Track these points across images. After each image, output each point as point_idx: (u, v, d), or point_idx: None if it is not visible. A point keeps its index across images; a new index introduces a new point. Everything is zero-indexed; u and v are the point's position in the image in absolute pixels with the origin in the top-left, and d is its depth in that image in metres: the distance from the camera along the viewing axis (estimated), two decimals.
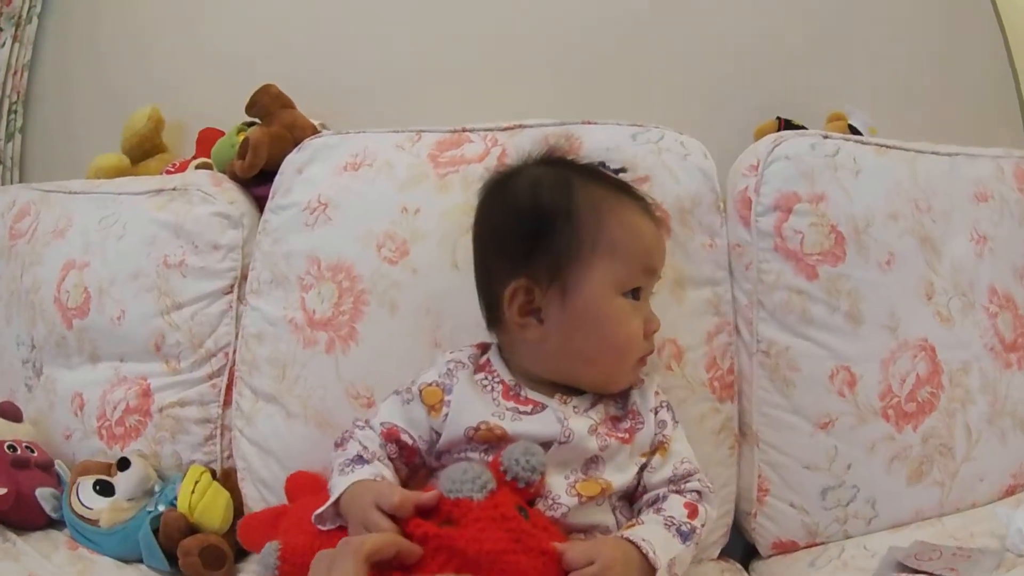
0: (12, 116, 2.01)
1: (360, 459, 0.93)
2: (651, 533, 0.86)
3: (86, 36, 2.02)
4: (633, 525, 0.90)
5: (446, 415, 0.94)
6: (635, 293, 0.97)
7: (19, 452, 1.26)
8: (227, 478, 1.24)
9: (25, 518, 1.22)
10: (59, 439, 1.38)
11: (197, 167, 1.60)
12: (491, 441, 0.91)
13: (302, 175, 1.29)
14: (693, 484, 0.95)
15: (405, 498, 0.81)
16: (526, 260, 0.95)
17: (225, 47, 1.84)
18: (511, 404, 0.95)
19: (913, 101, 1.68)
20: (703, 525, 0.92)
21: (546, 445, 0.90)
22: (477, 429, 0.92)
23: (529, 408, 0.95)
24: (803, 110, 1.57)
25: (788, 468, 1.17)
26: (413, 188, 1.22)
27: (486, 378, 0.98)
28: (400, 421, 0.97)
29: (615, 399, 1.00)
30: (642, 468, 0.95)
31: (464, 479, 0.81)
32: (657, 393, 1.02)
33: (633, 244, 0.96)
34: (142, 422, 1.31)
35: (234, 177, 1.44)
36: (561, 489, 0.89)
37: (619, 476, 0.93)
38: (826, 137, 1.21)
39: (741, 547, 1.26)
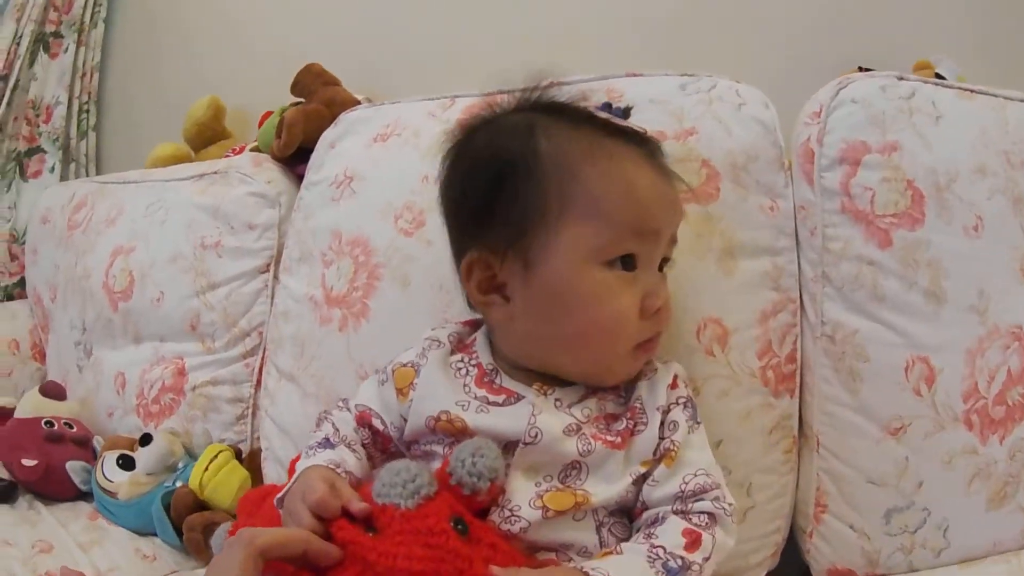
0: (84, 115, 2.11)
1: (327, 442, 0.83)
2: (621, 568, 0.70)
3: (150, 36, 2.12)
4: (608, 553, 0.73)
5: (411, 400, 0.82)
6: (626, 262, 0.78)
7: (56, 428, 1.32)
8: (252, 458, 1.22)
9: (55, 489, 1.28)
10: (103, 417, 1.42)
11: (252, 150, 1.61)
12: (454, 434, 0.78)
13: (334, 150, 1.26)
14: (704, 504, 0.74)
15: (327, 496, 0.70)
16: (480, 226, 0.80)
17: (276, 33, 1.88)
18: (482, 392, 0.80)
19: (1007, 49, 1.48)
20: (707, 559, 0.72)
21: (512, 445, 0.75)
22: (437, 419, 0.78)
23: (501, 398, 0.79)
24: (887, 60, 1.39)
25: (850, 481, 0.96)
26: (436, 156, 1.15)
27: (462, 360, 0.84)
28: (374, 404, 0.86)
29: (615, 392, 0.82)
30: (642, 479, 0.77)
31: (395, 481, 0.69)
32: (674, 386, 0.82)
33: (618, 200, 0.77)
34: (176, 400, 1.31)
35: (276, 157, 1.43)
36: (524, 499, 0.73)
37: (604, 488, 0.75)
38: (901, 78, 1.01)
39: (797, 569, 1.05)
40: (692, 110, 1.02)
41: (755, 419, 0.96)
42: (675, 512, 0.74)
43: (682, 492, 0.75)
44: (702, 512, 0.74)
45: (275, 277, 1.30)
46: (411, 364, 0.85)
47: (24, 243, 1.85)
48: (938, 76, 1.33)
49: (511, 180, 0.77)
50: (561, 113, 0.82)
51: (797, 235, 1.00)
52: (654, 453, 0.77)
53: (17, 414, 1.38)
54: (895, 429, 0.94)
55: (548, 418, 0.76)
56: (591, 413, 0.79)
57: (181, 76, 2.03)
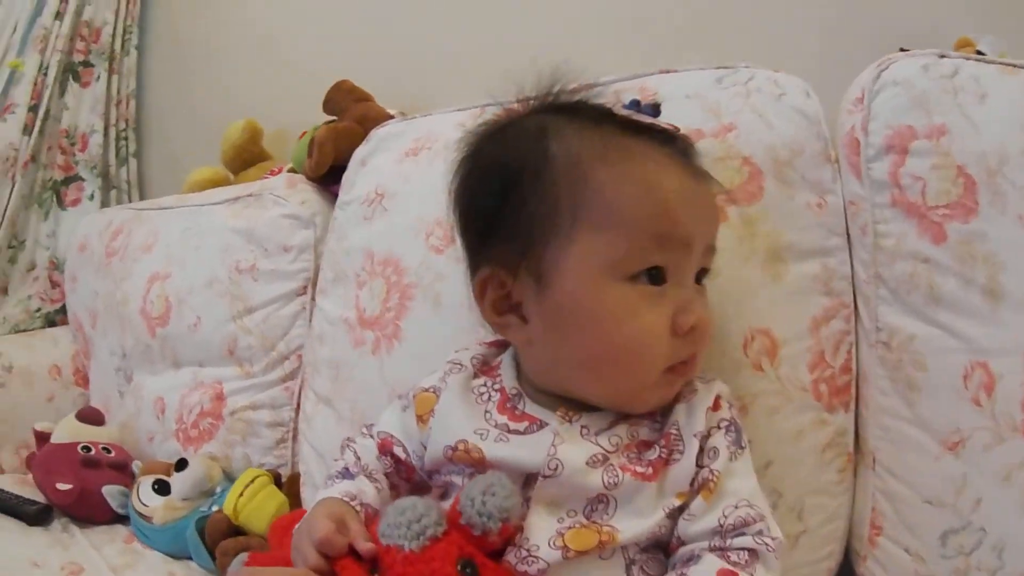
0: (123, 142, 2.14)
1: (346, 472, 0.80)
2: None
3: (182, 61, 2.14)
4: None
5: (431, 428, 0.77)
6: (653, 275, 0.70)
7: (93, 453, 1.34)
8: (292, 483, 1.21)
9: (92, 513, 1.29)
10: (144, 441, 1.42)
11: (288, 171, 1.60)
12: (473, 465, 0.72)
13: (366, 167, 1.24)
14: (744, 540, 0.67)
15: (332, 535, 0.67)
16: (491, 240, 0.74)
17: (308, 50, 1.88)
18: (503, 419, 0.74)
19: None
20: None
21: (532, 477, 0.70)
22: (455, 449, 0.73)
23: (523, 426, 0.73)
24: (928, 40, 1.32)
25: (907, 502, 0.89)
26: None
27: (485, 384, 0.78)
28: (396, 431, 0.81)
29: (650, 417, 0.74)
30: (678, 512, 0.69)
31: (399, 521, 0.65)
32: (716, 407, 0.73)
33: (638, 205, 0.69)
34: (215, 425, 1.31)
35: (310, 177, 1.42)
36: (544, 537, 0.67)
37: (635, 523, 0.68)
38: (942, 56, 0.94)
39: None
40: (729, 104, 0.95)
41: (807, 437, 0.89)
42: (712, 549, 0.67)
43: (721, 526, 0.67)
44: (742, 548, 0.67)
45: (312, 299, 1.29)
46: (432, 389, 0.80)
47: (64, 270, 1.87)
48: (979, 53, 1.26)
49: (519, 187, 0.71)
50: (577, 113, 0.75)
51: (848, 233, 0.93)
52: (691, 484, 0.69)
53: (54, 439, 1.39)
54: (953, 443, 0.86)
55: (570, 448, 0.70)
56: (621, 441, 0.71)
57: (216, 99, 2.05)
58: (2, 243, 1.92)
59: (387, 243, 1.13)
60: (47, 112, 2.00)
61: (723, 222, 0.88)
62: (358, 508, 0.74)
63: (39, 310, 1.94)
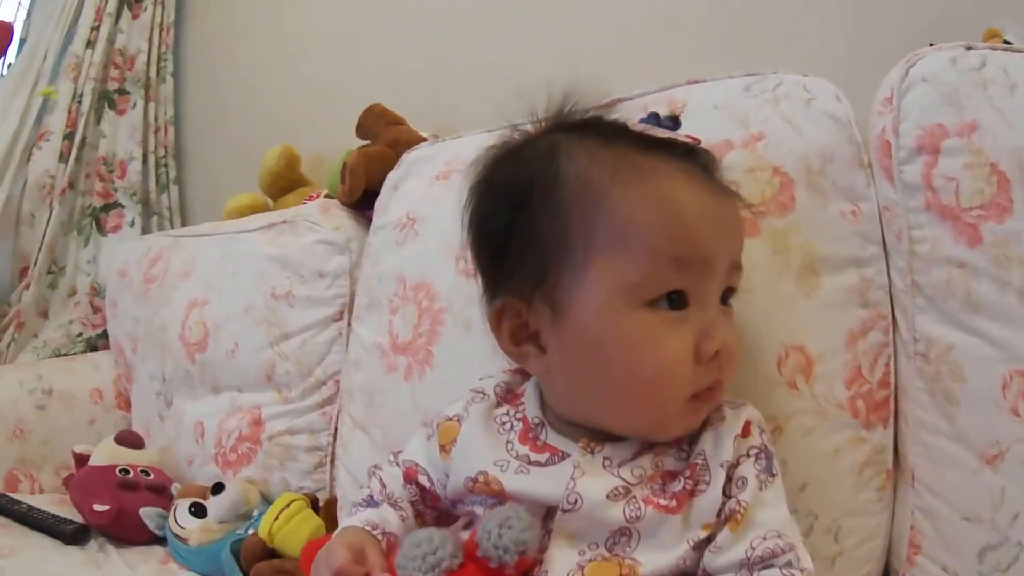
0: (163, 169, 2.16)
1: (370, 501, 0.80)
2: None
3: (218, 88, 2.16)
4: None
5: (452, 458, 0.76)
6: (674, 300, 0.67)
7: (131, 475, 1.36)
8: (329, 507, 1.22)
9: (129, 534, 1.31)
10: (183, 465, 1.44)
11: (326, 196, 1.62)
12: (494, 496, 0.71)
13: (398, 192, 1.25)
14: (772, 573, 0.64)
15: (348, 566, 0.67)
16: (503, 267, 0.73)
17: (341, 74, 1.89)
18: (524, 450, 0.72)
19: None
20: None
21: (553, 510, 0.68)
22: (475, 481, 0.72)
23: (544, 457, 0.71)
24: (958, 34, 1.29)
25: (945, 519, 0.86)
26: None
27: (507, 413, 0.77)
28: (421, 459, 0.80)
29: (676, 446, 0.71)
30: (704, 544, 0.67)
31: (414, 553, 0.64)
32: (745, 434, 0.70)
33: (653, 226, 0.66)
34: (253, 449, 1.32)
35: (344, 203, 1.43)
36: (563, 570, 0.66)
37: (658, 556, 0.66)
38: (968, 48, 0.91)
39: None
40: (758, 112, 0.93)
41: (844, 456, 0.86)
42: None
43: (748, 559, 0.64)
44: None
45: (349, 325, 1.30)
46: (455, 418, 0.78)
47: (105, 296, 1.90)
48: (1006, 43, 1.23)
49: (529, 211, 0.69)
50: (590, 131, 0.72)
51: (884, 241, 0.90)
52: (718, 515, 0.67)
53: (92, 462, 1.41)
54: (992, 456, 0.83)
55: (590, 481, 0.68)
56: (644, 473, 0.69)
57: (253, 125, 2.06)
58: (42, 269, 1.95)
59: (419, 268, 1.14)
60: (83, 139, 2.03)
61: (754, 236, 0.86)
62: (379, 537, 0.73)
63: (80, 335, 1.96)
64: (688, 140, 0.72)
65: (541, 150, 0.72)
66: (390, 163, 1.33)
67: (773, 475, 0.69)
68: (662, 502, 0.67)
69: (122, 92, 2.13)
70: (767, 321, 0.87)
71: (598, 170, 0.68)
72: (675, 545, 0.66)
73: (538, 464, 0.71)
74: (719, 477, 0.67)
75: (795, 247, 0.87)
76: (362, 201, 1.40)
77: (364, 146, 1.50)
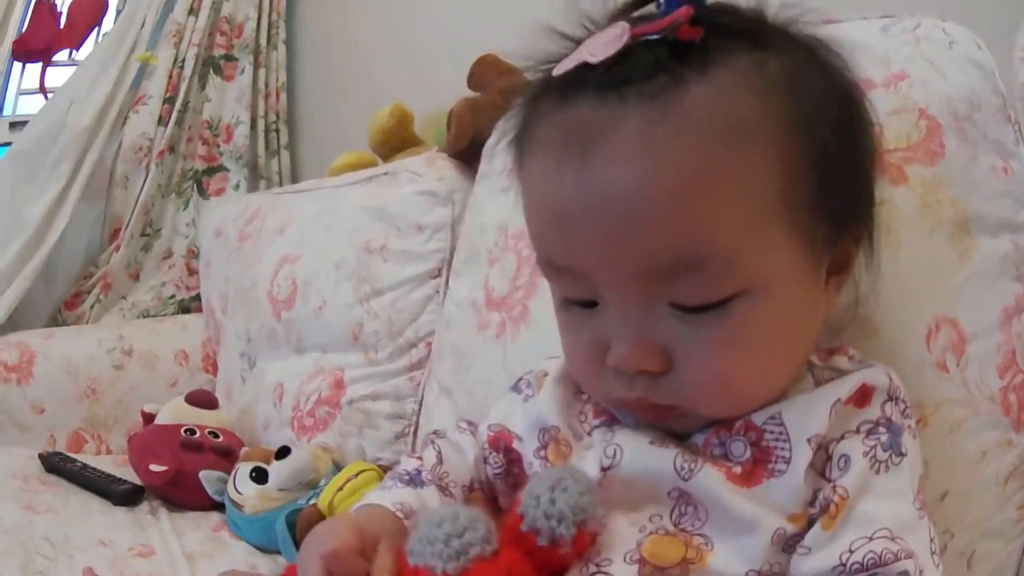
0: (273, 134, 2.15)
1: (415, 476, 0.63)
2: None
3: (331, 54, 2.14)
4: None
5: None
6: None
7: (197, 436, 1.27)
8: None
9: (188, 497, 1.23)
10: (259, 429, 1.35)
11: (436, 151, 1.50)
12: (557, 463, 0.61)
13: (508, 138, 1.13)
14: None
15: (347, 551, 0.52)
16: None
17: (452, 31, 1.81)
18: (596, 422, 0.61)
19: None
20: None
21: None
22: (548, 433, 0.62)
23: (599, 420, 0.61)
24: None
25: None
26: None
27: None
28: (517, 424, 0.66)
29: (745, 425, 0.55)
30: (791, 543, 0.52)
31: (433, 536, 0.50)
32: (861, 402, 0.55)
33: (529, 222, 0.57)
34: (331, 414, 1.22)
35: (452, 154, 1.31)
36: (620, 551, 0.53)
37: (732, 542, 0.52)
38: None
39: None
40: (899, 52, 0.80)
41: (990, 462, 0.69)
42: None
43: (843, 565, 0.49)
44: None
45: (447, 283, 1.18)
46: (547, 375, 0.67)
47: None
48: None
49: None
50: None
51: None
52: (802, 506, 0.52)
53: (158, 420, 1.33)
54: None
55: (629, 433, 0.57)
56: (700, 441, 0.56)
57: (365, 90, 2.01)
58: (135, 230, 1.92)
59: (522, 215, 1.00)
60: (186, 104, 2.01)
61: (900, 184, 0.72)
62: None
63: (172, 296, 1.92)
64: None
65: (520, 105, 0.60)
66: (500, 112, 1.17)
67: (900, 454, 0.53)
68: (728, 465, 0.54)
69: (229, 58, 2.11)
70: (917, 285, 0.72)
71: (524, 135, 0.57)
72: (751, 529, 0.52)
73: (595, 428, 0.61)
74: (802, 454, 0.52)
75: (947, 200, 0.72)
76: (471, 153, 1.28)
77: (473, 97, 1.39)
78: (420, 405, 1.16)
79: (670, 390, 0.53)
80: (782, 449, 0.53)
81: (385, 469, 1.08)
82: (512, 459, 0.65)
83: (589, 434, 0.60)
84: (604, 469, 0.55)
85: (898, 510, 0.51)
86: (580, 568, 0.52)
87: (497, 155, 1.12)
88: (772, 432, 0.54)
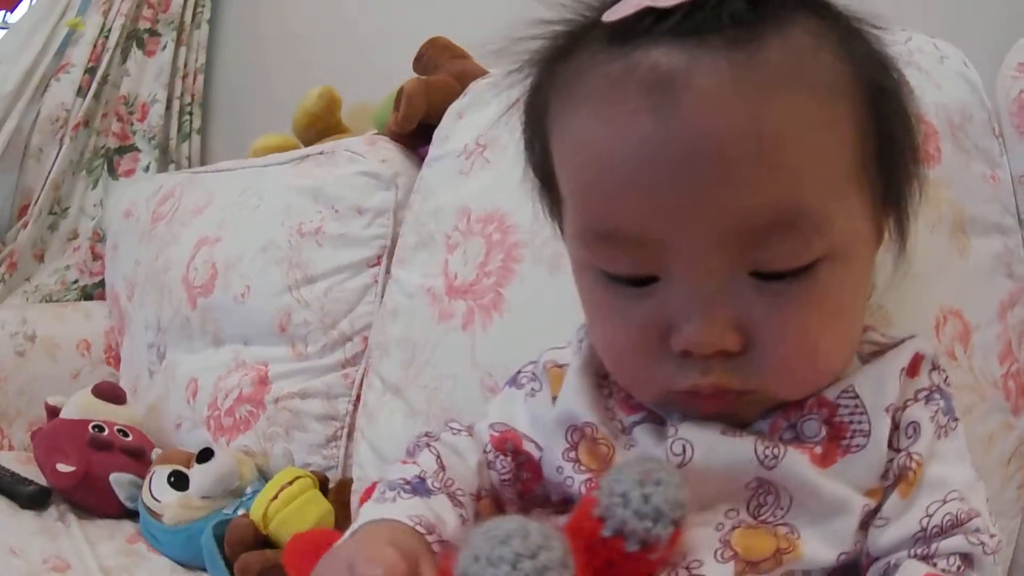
0: (187, 117, 2.04)
1: (419, 485, 0.54)
2: None
3: (256, 37, 2.05)
4: None
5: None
6: (636, 276, 0.49)
7: (106, 433, 1.18)
8: (341, 490, 1.01)
9: (97, 502, 1.14)
10: (170, 428, 1.24)
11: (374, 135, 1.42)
12: (596, 465, 0.54)
13: (463, 120, 1.07)
14: (956, 541, 0.48)
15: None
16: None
17: (391, 23, 1.73)
18: (629, 419, 0.55)
19: None
20: None
21: None
22: (582, 433, 0.55)
23: (640, 415, 0.55)
24: None
25: None
26: None
27: (607, 377, 0.58)
28: (522, 423, 0.60)
29: (817, 401, 0.52)
30: (868, 518, 0.50)
31: (498, 556, 0.40)
32: (913, 372, 0.53)
33: (576, 186, 0.51)
34: (254, 413, 1.11)
35: (394, 136, 1.23)
36: (707, 548, 0.48)
37: (821, 531, 0.49)
38: None
39: None
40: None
41: (996, 445, 0.74)
42: (915, 556, 0.49)
43: (924, 530, 0.48)
44: (952, 553, 0.48)
45: (387, 272, 1.09)
46: (565, 366, 0.60)
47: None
48: None
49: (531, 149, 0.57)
50: (589, 31, 0.51)
51: (1019, 214, 0.81)
52: (884, 476, 0.50)
53: (64, 414, 1.23)
54: None
55: (694, 426, 0.51)
56: (765, 428, 0.52)
57: (291, 77, 1.90)
58: (43, 207, 1.80)
59: (489, 197, 0.95)
60: (105, 76, 1.89)
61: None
62: (436, 547, 0.50)
63: (76, 282, 1.80)
64: None
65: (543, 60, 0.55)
66: (452, 95, 1.15)
67: (956, 420, 0.53)
68: (807, 446, 0.50)
69: (153, 33, 1.99)
70: (924, 278, 0.74)
71: (555, 93, 0.52)
72: (841, 511, 0.49)
73: (635, 425, 0.55)
74: (882, 425, 0.50)
75: (945, 200, 0.77)
76: (415, 138, 1.20)
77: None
78: (355, 405, 1.07)
79: (748, 372, 0.48)
80: (859, 423, 0.51)
81: (319, 476, 1.01)
82: (521, 463, 0.59)
83: (625, 432, 0.54)
84: (675, 465, 0.50)
85: (963, 472, 0.51)
86: (668, 573, 0.47)
87: (452, 137, 1.05)
88: (846, 406, 0.51)
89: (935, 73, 0.82)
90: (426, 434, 0.62)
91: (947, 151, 0.77)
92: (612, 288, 0.50)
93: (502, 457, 0.59)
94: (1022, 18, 1.05)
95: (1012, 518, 0.75)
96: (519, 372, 0.64)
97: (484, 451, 0.60)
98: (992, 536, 0.49)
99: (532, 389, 0.61)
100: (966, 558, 0.48)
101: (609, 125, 0.46)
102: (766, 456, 0.49)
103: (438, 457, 0.57)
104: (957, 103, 0.81)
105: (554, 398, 0.59)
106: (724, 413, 0.51)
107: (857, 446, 0.50)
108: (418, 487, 0.54)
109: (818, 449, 0.50)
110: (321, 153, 1.24)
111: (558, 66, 0.52)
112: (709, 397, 0.49)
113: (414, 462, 0.57)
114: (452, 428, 0.62)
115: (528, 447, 0.58)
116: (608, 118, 0.47)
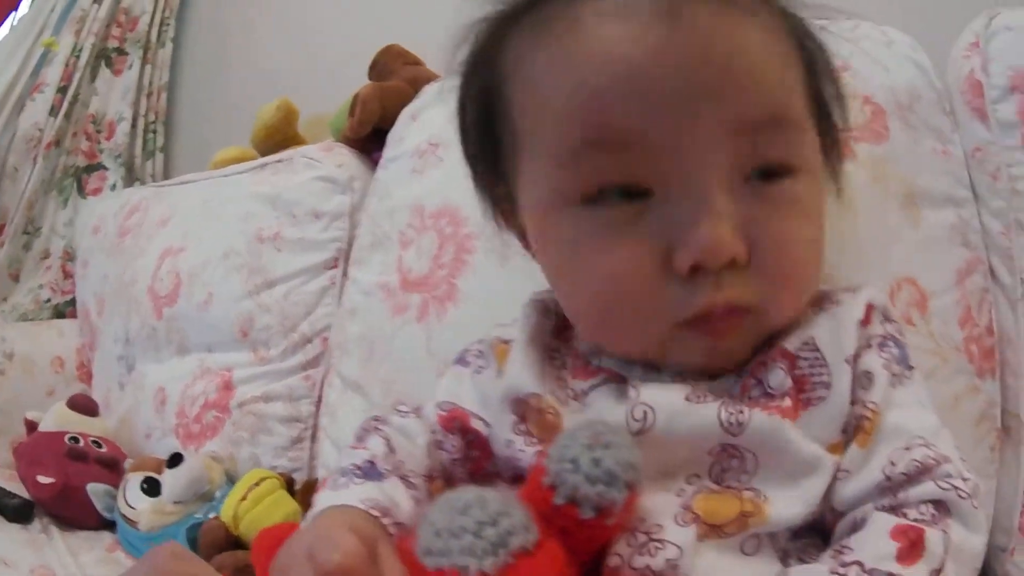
0: (151, 135, 2.03)
1: (370, 470, 0.54)
2: None
3: (219, 56, 2.05)
4: None
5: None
6: (630, 190, 0.49)
7: (81, 444, 1.18)
8: (308, 490, 1.01)
9: (76, 513, 1.14)
10: (141, 438, 1.25)
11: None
12: (543, 433, 0.53)
13: (416, 121, 1.09)
14: (925, 488, 0.46)
15: (359, 564, 0.42)
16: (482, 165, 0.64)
17: (350, 38, 1.71)
18: (582, 385, 0.55)
19: None
20: (937, 570, 0.44)
21: None
22: (526, 404, 0.54)
23: (599, 379, 0.54)
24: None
25: None
26: None
27: (559, 348, 0.59)
28: (469, 400, 0.59)
29: (780, 351, 0.52)
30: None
31: (458, 526, 0.40)
32: (866, 321, 0.53)
33: (560, 101, 0.50)
34: (220, 419, 1.12)
35: (349, 142, 1.25)
36: (667, 512, 0.47)
37: (789, 492, 0.48)
38: None
39: None
40: (839, 48, 0.78)
41: (963, 406, 0.76)
42: (883, 508, 0.47)
43: (888, 479, 0.47)
44: (923, 501, 0.46)
45: (344, 274, 1.10)
46: (510, 342, 0.59)
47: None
48: None
49: (472, 80, 0.60)
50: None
51: (974, 186, 0.83)
52: (841, 429, 0.50)
53: (41, 428, 1.24)
54: None
55: (657, 389, 0.50)
56: (731, 385, 0.52)
57: (253, 94, 1.86)
58: (18, 227, 1.80)
59: (442, 194, 0.97)
60: (76, 95, 1.89)
61: (852, 160, 0.75)
62: (391, 529, 0.49)
63: (48, 300, 1.79)
64: None
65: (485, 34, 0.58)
66: (407, 99, 1.17)
67: (910, 368, 0.53)
68: (772, 404, 0.49)
69: (121, 52, 1.99)
70: (876, 249, 0.78)
71: (527, 35, 0.53)
72: (812, 469, 0.48)
73: (594, 387, 0.54)
74: (843, 375, 0.50)
75: (894, 176, 0.80)
76: (370, 143, 1.22)
77: None
78: (318, 406, 1.08)
79: (755, 284, 0.49)
80: (819, 375, 0.51)
81: (286, 477, 1.01)
82: (470, 441, 0.58)
83: (577, 399, 0.54)
84: (634, 434, 0.48)
85: (924, 418, 0.51)
86: (627, 539, 0.45)
87: (407, 138, 1.07)
88: (806, 359, 0.51)
89: (882, 57, 0.84)
90: (374, 418, 0.61)
91: (895, 129, 0.80)
92: (600, 216, 0.50)
93: (451, 436, 0.59)
94: (975, 4, 1.06)
95: (988, 479, 0.76)
96: (466, 350, 0.64)
97: (432, 431, 0.59)
98: (966, 480, 0.47)
99: (479, 366, 0.61)
100: (940, 505, 0.46)
101: (621, 31, 0.48)
102: (730, 424, 0.48)
103: (387, 440, 0.57)
104: (905, 84, 0.83)
105: (499, 372, 0.58)
106: (721, 342, 0.50)
107: (819, 398, 0.50)
108: (369, 471, 0.53)
109: (786, 401, 0.50)
110: (279, 161, 1.25)
111: (524, 16, 0.54)
112: (722, 319, 0.49)
113: (364, 447, 0.56)
114: (400, 411, 0.61)
115: (476, 424, 0.58)
116: (619, 26, 0.48)
